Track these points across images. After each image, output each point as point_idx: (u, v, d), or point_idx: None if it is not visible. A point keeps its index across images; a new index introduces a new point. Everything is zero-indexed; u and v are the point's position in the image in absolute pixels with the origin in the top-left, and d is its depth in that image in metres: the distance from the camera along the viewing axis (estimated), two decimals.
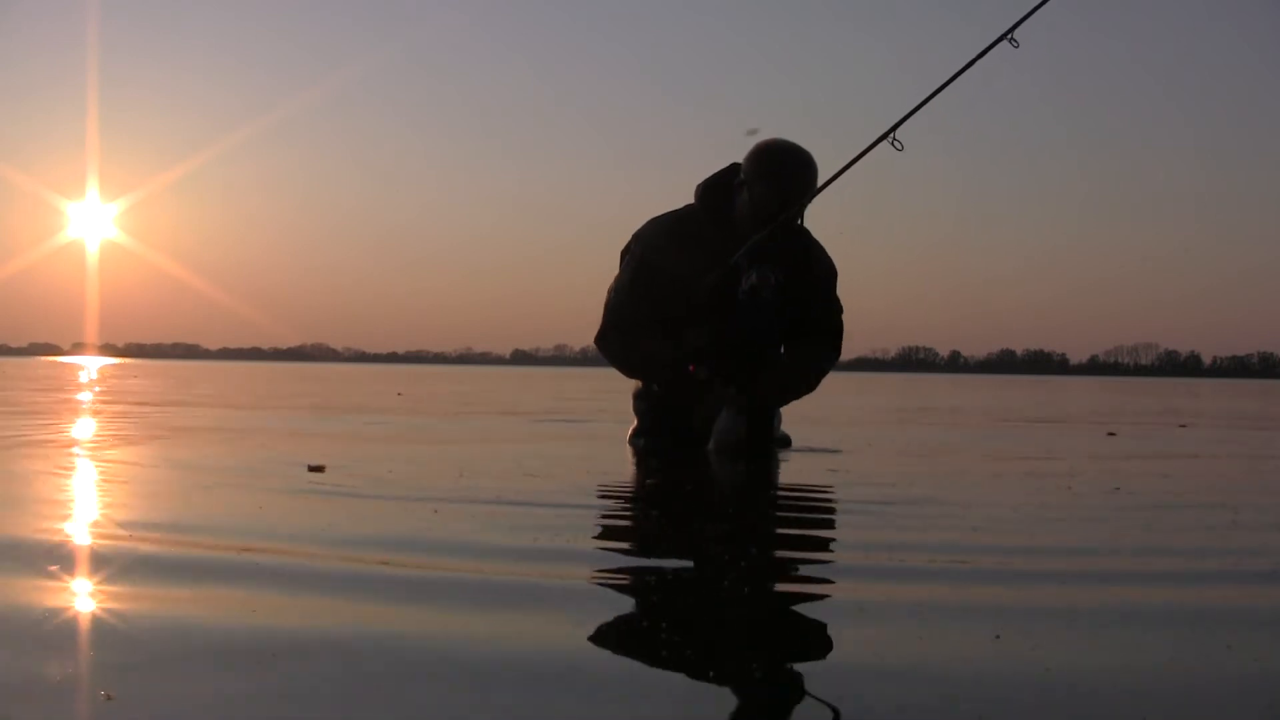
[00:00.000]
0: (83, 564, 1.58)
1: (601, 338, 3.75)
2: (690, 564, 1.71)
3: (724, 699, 1.04)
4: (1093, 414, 9.12)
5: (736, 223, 3.62)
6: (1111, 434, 5.86)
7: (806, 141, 3.69)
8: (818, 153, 3.65)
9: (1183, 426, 6.85)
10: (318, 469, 3.11)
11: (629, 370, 3.78)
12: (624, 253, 3.74)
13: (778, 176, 3.56)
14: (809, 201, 3.62)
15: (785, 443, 4.00)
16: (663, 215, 3.75)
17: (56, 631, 1.22)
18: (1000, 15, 3.77)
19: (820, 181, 3.62)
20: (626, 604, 1.44)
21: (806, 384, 3.85)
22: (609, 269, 3.85)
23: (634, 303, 3.66)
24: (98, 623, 1.25)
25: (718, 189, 3.68)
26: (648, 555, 1.84)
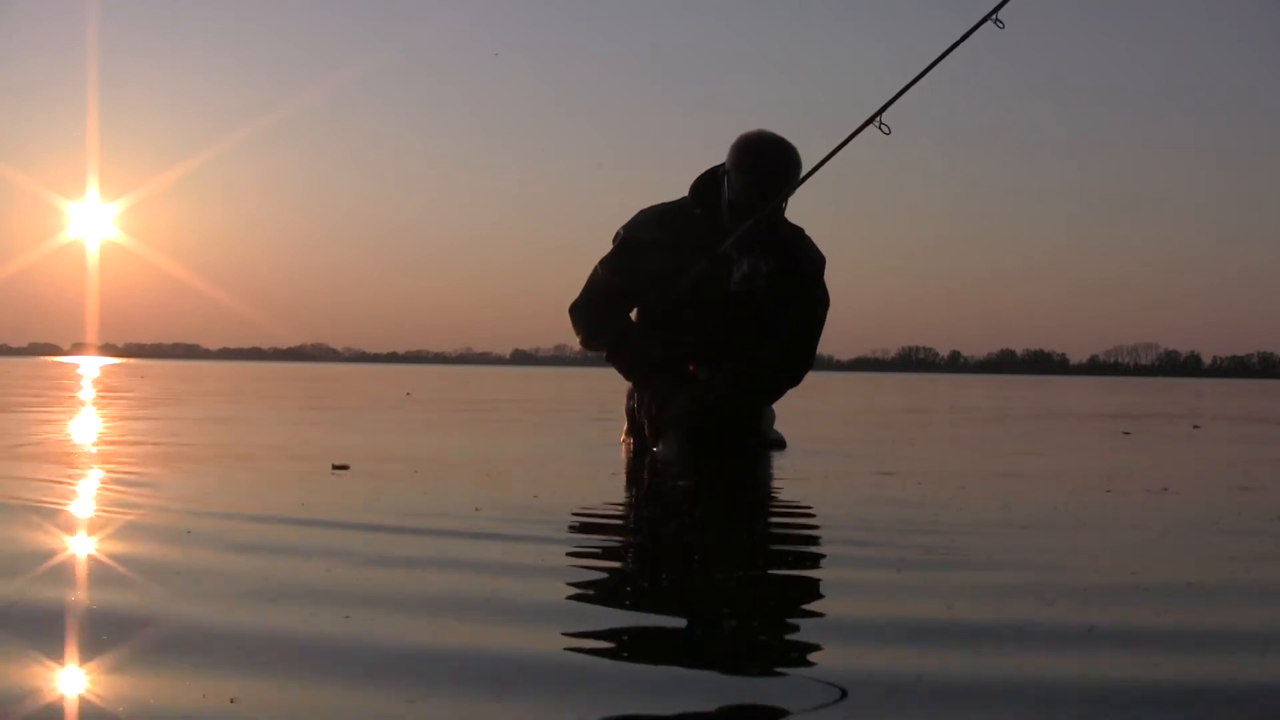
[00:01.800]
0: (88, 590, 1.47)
1: (577, 308, 3.76)
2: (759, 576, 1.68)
3: None
4: (1102, 414, 9.11)
5: (723, 213, 3.63)
6: (1127, 433, 5.84)
7: (806, 139, 3.70)
8: (815, 150, 3.65)
9: (1196, 427, 6.83)
10: (342, 468, 3.09)
11: (592, 344, 3.77)
12: (614, 238, 3.76)
13: (754, 168, 3.57)
14: (791, 191, 3.62)
15: (779, 445, 3.95)
16: (654, 205, 3.78)
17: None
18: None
19: (808, 168, 3.63)
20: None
21: (769, 389, 3.81)
22: None
23: (613, 280, 3.68)
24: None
25: (709, 183, 3.69)
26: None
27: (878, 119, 3.63)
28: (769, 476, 3.16)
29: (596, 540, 1.96)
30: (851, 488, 2.87)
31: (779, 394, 3.87)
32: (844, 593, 1.51)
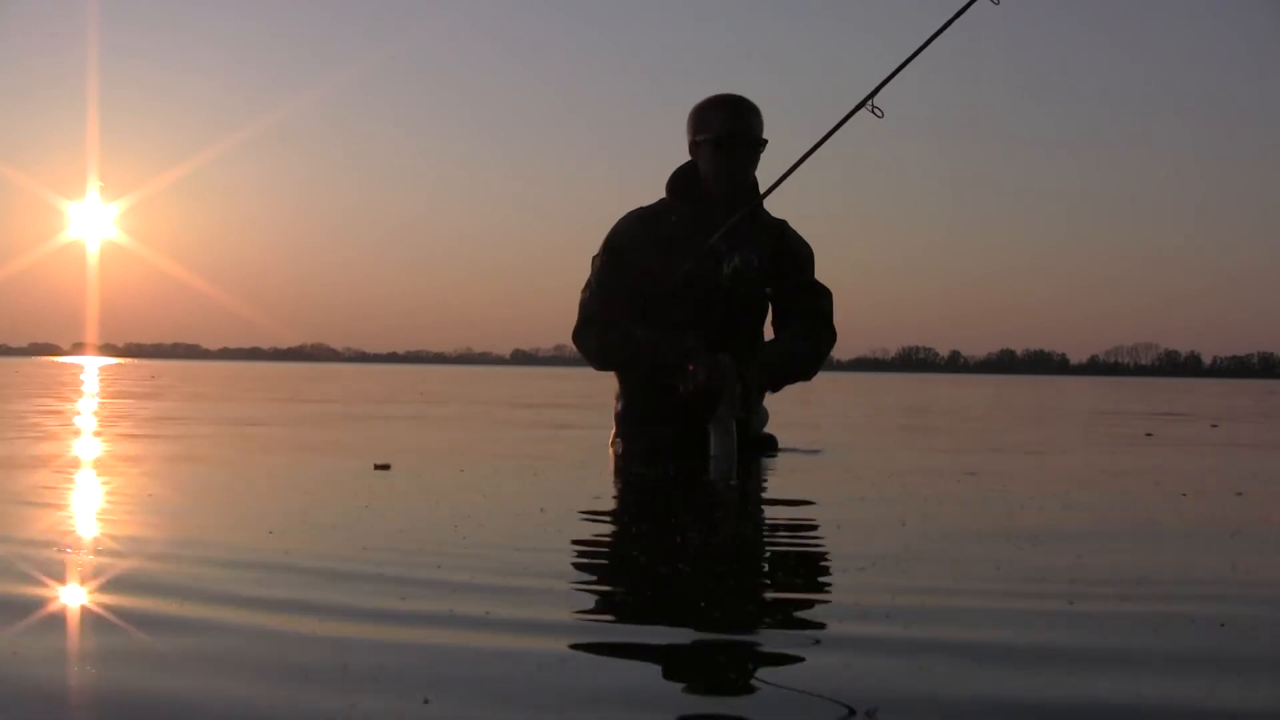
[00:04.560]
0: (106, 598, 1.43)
1: (578, 334, 3.69)
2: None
3: None
4: (1113, 413, 9.09)
5: (704, 192, 3.61)
6: (1149, 435, 5.83)
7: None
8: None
9: (1214, 426, 6.83)
10: (383, 467, 3.08)
11: (605, 362, 3.70)
12: (594, 258, 3.71)
13: (715, 104, 3.61)
14: (764, 155, 3.61)
15: (771, 445, 3.88)
16: (632, 210, 3.74)
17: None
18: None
19: (803, 153, 3.62)
20: None
21: (806, 366, 3.75)
22: None
23: (607, 294, 3.63)
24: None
25: (685, 175, 3.69)
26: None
27: (869, 102, 3.60)
28: (782, 480, 3.16)
29: (688, 546, 1.94)
30: (913, 488, 2.86)
31: (798, 380, 3.81)
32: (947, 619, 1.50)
